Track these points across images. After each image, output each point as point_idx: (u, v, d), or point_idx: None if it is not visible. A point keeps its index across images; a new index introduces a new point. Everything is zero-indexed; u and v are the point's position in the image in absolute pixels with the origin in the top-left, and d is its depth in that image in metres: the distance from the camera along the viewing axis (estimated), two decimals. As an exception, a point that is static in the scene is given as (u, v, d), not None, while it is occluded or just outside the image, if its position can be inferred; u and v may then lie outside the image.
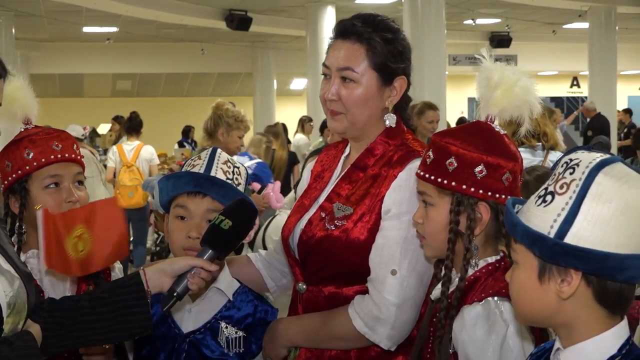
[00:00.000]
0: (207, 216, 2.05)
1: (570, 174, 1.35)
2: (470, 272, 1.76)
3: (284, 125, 13.95)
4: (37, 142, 2.12)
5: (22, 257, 2.07)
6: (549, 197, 1.37)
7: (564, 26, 18.13)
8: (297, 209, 2.19)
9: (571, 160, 1.37)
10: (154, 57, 20.24)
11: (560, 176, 1.37)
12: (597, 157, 1.35)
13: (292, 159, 9.22)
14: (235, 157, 7.04)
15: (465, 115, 19.07)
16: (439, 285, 1.79)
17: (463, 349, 1.68)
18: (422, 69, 10.13)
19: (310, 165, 2.34)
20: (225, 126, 4.79)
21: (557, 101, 23.75)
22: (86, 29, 17.18)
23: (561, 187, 1.35)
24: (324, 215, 2.06)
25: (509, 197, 1.61)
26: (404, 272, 1.93)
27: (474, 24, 16.88)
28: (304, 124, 12.31)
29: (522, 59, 19.10)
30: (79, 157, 2.19)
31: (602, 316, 1.36)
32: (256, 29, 15.64)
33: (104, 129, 14.99)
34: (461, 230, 1.75)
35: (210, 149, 2.20)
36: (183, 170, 2.18)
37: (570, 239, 1.31)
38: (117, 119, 10.72)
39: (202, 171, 2.11)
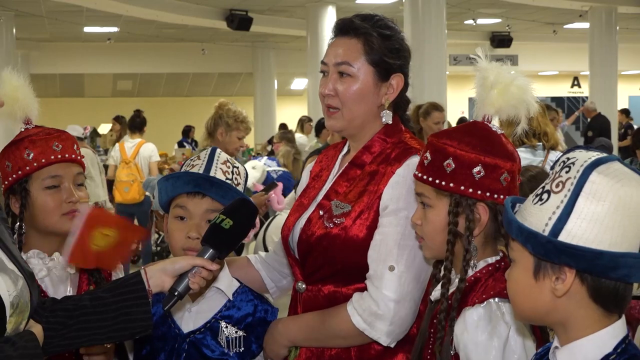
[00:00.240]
0: (207, 216, 2.05)
1: (566, 172, 1.36)
2: (470, 273, 1.76)
3: (285, 125, 14.01)
4: (37, 143, 2.12)
5: (23, 257, 2.07)
6: (545, 196, 1.38)
7: (565, 26, 18.13)
8: (296, 208, 2.20)
9: (568, 159, 1.38)
10: (154, 57, 20.26)
11: (557, 175, 1.38)
12: (593, 156, 1.35)
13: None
14: (265, 160, 7.03)
15: (466, 115, 19.06)
16: (439, 287, 1.79)
17: (465, 351, 1.67)
18: (422, 69, 10.14)
19: (309, 166, 2.35)
20: (225, 126, 4.73)
21: (558, 101, 23.74)
22: (87, 29, 17.20)
23: (557, 185, 1.36)
24: (322, 213, 2.07)
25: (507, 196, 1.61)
26: (401, 268, 1.93)
27: (474, 24, 16.88)
28: (303, 123, 12.34)
29: (522, 59, 19.11)
30: (79, 157, 2.20)
31: (597, 314, 1.36)
32: (257, 29, 15.65)
33: (104, 129, 15.00)
34: (460, 232, 1.75)
35: (210, 149, 2.20)
36: (182, 170, 2.18)
37: (564, 236, 1.32)
38: (117, 119, 10.71)
39: (201, 171, 2.11)
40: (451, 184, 1.74)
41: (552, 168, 1.43)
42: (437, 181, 1.75)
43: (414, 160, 1.98)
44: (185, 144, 13.69)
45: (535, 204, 1.39)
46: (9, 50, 14.62)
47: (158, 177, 6.54)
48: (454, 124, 10.96)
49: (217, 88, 22.88)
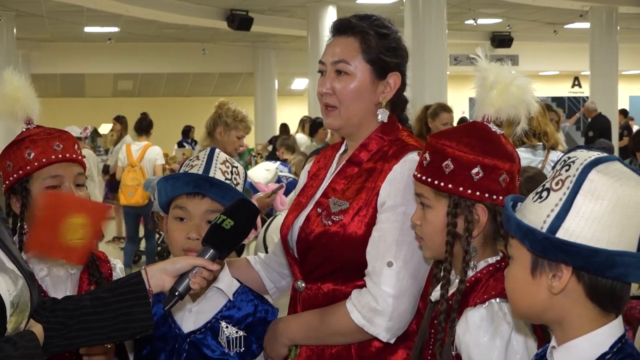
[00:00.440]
0: (207, 217, 2.05)
1: (566, 170, 1.37)
2: (471, 273, 1.76)
3: (285, 125, 14.01)
4: (38, 142, 2.13)
5: (24, 257, 2.07)
6: (544, 193, 1.38)
7: (565, 26, 18.13)
8: (295, 207, 2.21)
9: (569, 158, 1.39)
10: (155, 57, 20.26)
11: (557, 173, 1.39)
12: (593, 155, 1.36)
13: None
14: (279, 165, 7.04)
15: (467, 116, 19.06)
16: (439, 287, 1.79)
17: (467, 352, 1.67)
18: (423, 69, 10.15)
19: (307, 166, 2.37)
20: (224, 125, 4.70)
21: (559, 101, 23.73)
22: (87, 29, 17.20)
23: (557, 183, 1.37)
24: (320, 211, 2.08)
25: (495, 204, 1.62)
26: (400, 263, 1.94)
27: (475, 24, 16.87)
28: (304, 124, 12.34)
29: (523, 59, 19.12)
30: (80, 157, 2.20)
31: (594, 313, 1.36)
32: (257, 29, 15.65)
33: (105, 129, 15.01)
34: (459, 232, 1.76)
35: (209, 149, 2.20)
36: (181, 170, 2.18)
37: (561, 234, 1.33)
38: (118, 119, 10.73)
39: (200, 172, 2.11)
40: (450, 185, 1.74)
41: (553, 168, 1.43)
42: (436, 182, 1.75)
43: (411, 157, 2.00)
44: (185, 144, 13.70)
45: (535, 201, 1.40)
46: (10, 50, 14.63)
47: (158, 178, 6.56)
48: (455, 124, 10.96)
49: (217, 88, 22.88)
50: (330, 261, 2.05)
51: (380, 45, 2.07)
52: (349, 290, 2.02)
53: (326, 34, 2.18)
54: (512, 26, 18.07)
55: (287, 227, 2.17)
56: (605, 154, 1.37)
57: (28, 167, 2.11)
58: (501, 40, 18.81)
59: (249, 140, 6.54)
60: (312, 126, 9.38)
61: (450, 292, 1.76)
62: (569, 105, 24.63)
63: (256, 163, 10.04)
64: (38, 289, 1.66)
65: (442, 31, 10.70)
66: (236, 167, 2.19)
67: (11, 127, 2.28)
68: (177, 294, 1.75)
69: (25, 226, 2.13)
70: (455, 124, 8.63)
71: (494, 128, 1.80)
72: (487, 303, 1.68)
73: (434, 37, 10.52)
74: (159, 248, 9.18)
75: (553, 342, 1.43)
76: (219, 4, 14.65)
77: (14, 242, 1.73)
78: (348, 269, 2.03)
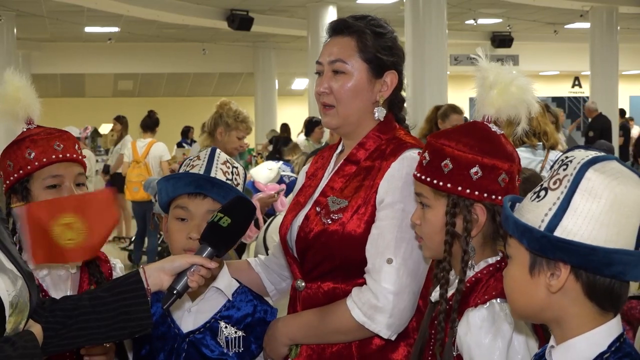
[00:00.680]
0: (208, 217, 2.04)
1: (564, 170, 1.37)
2: (471, 273, 1.76)
3: (286, 125, 14.02)
4: (38, 142, 2.13)
5: (24, 257, 2.07)
6: (542, 193, 1.39)
7: (566, 26, 18.12)
8: (293, 207, 2.21)
9: (567, 157, 1.40)
10: (155, 57, 20.26)
11: (555, 172, 1.39)
12: (591, 154, 1.36)
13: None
14: (281, 165, 7.06)
15: (467, 116, 19.05)
16: (438, 287, 1.79)
17: (468, 352, 1.67)
18: (423, 69, 10.16)
19: (305, 167, 2.37)
20: (225, 126, 4.70)
21: (559, 101, 23.73)
22: (88, 29, 17.20)
23: (554, 182, 1.38)
24: (319, 210, 2.08)
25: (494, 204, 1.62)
26: (399, 260, 1.95)
27: (475, 24, 16.88)
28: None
29: (523, 59, 19.09)
30: (80, 157, 2.20)
31: (592, 312, 1.36)
32: (257, 29, 15.66)
33: (105, 129, 15.01)
34: (457, 232, 1.76)
35: (210, 149, 2.20)
36: (181, 169, 2.18)
37: (559, 232, 1.33)
38: (118, 119, 10.75)
39: (201, 172, 2.11)
40: (448, 185, 1.74)
41: (551, 167, 1.44)
42: (435, 181, 1.75)
43: (409, 154, 2.01)
44: (184, 144, 13.72)
45: (533, 200, 1.40)
46: (10, 51, 14.64)
47: (157, 178, 6.57)
48: (455, 124, 10.96)
49: (218, 88, 22.88)
50: (330, 260, 2.05)
51: (376, 44, 2.09)
52: (349, 289, 2.03)
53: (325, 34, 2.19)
54: (512, 26, 18.07)
55: (286, 227, 2.17)
56: (602, 153, 1.37)
57: (28, 167, 2.11)
58: (501, 40, 18.81)
59: (249, 140, 6.55)
60: (307, 125, 9.40)
61: (450, 292, 1.76)
62: (569, 105, 24.62)
63: (256, 163, 10.07)
64: (37, 289, 1.66)
65: (442, 31, 10.70)
66: (236, 168, 2.19)
67: (12, 127, 2.29)
68: (175, 292, 1.75)
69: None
70: (457, 124, 8.61)
71: (494, 128, 1.80)
72: (488, 303, 1.68)
73: (434, 37, 10.53)
74: (159, 248, 9.19)
75: (552, 342, 1.43)
76: (219, 4, 14.65)
77: (14, 242, 1.73)
78: (348, 267, 2.04)
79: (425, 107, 9.99)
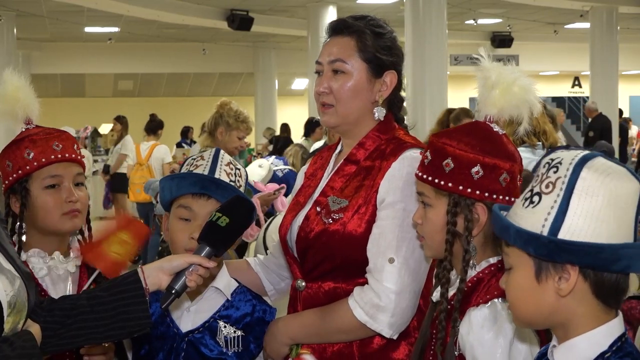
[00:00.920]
0: (211, 218, 2.05)
1: (554, 172, 1.37)
2: (472, 273, 1.76)
3: (286, 125, 14.02)
4: (37, 142, 2.12)
5: (23, 257, 2.07)
6: (536, 198, 1.38)
7: (566, 26, 18.14)
8: (293, 207, 2.21)
9: (552, 160, 1.39)
10: (155, 57, 20.28)
11: (544, 176, 1.39)
12: (578, 154, 1.37)
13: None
14: (272, 159, 7.05)
15: (468, 116, 19.05)
16: (440, 287, 1.79)
17: (471, 351, 1.67)
18: (423, 69, 10.17)
19: (304, 167, 2.37)
20: (225, 125, 4.72)
21: (559, 101, 23.77)
22: (88, 29, 17.22)
23: (547, 186, 1.37)
24: (319, 210, 2.08)
25: (495, 203, 1.61)
26: (401, 259, 1.95)
27: (475, 24, 16.89)
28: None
29: (523, 59, 19.10)
30: (79, 157, 2.20)
31: (597, 311, 1.37)
32: (258, 29, 15.67)
33: (105, 129, 15.03)
34: (458, 231, 1.75)
35: (214, 149, 2.19)
36: (184, 169, 2.17)
37: (563, 235, 1.33)
38: (118, 119, 10.75)
39: (206, 172, 2.10)
40: (450, 184, 1.74)
41: (534, 171, 1.43)
42: (436, 181, 1.75)
43: (409, 154, 2.01)
44: (184, 144, 13.73)
45: (526, 207, 1.39)
46: (10, 51, 14.65)
47: (157, 180, 6.59)
48: (455, 124, 10.97)
49: (218, 88, 22.90)
50: (331, 259, 2.05)
51: (376, 44, 2.09)
52: (350, 288, 2.03)
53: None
54: (512, 26, 18.09)
55: (286, 227, 2.17)
56: (587, 151, 1.38)
57: (27, 167, 2.11)
58: (501, 40, 18.83)
59: (249, 140, 6.55)
60: (308, 126, 9.41)
61: (452, 292, 1.76)
62: (569, 105, 24.65)
63: (256, 163, 10.09)
64: (35, 288, 1.66)
65: (442, 31, 10.71)
66: (239, 169, 2.19)
67: (11, 127, 2.28)
68: (173, 291, 1.75)
69: (25, 226, 2.12)
70: (456, 124, 8.62)
71: (496, 128, 1.80)
72: (490, 302, 1.68)
73: (434, 37, 10.54)
74: (159, 248, 9.19)
75: (554, 341, 1.43)
76: (220, 4, 14.66)
77: (12, 242, 1.73)
78: (348, 266, 2.04)
79: (425, 107, 10.01)
